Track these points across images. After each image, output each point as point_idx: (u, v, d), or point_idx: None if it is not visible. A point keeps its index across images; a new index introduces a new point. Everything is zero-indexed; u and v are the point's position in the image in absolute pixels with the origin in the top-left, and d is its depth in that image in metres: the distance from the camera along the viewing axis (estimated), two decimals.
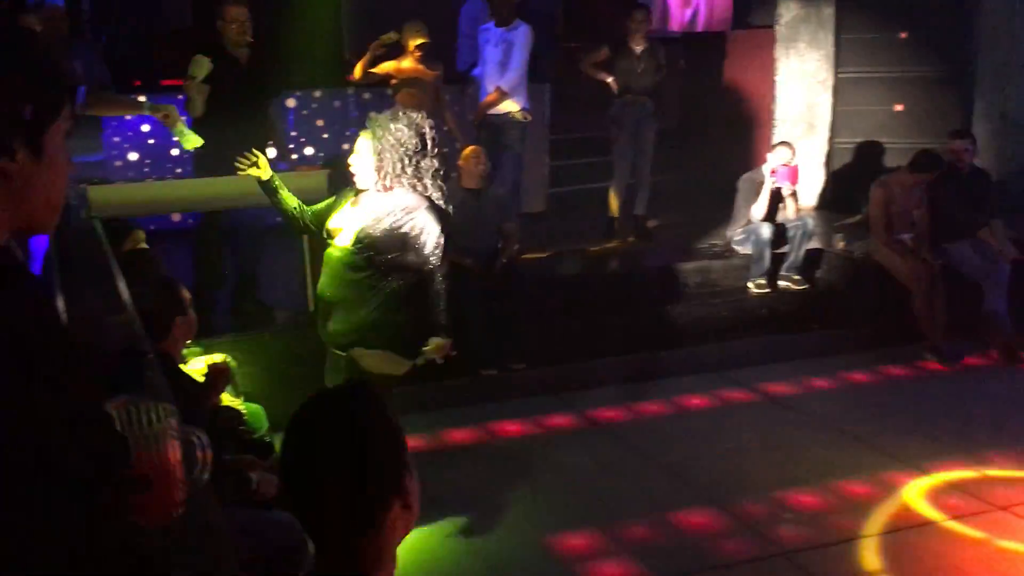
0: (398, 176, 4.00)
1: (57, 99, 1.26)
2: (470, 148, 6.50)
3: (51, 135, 1.25)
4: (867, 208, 7.39)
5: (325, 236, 4.19)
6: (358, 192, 4.14)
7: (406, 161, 3.98)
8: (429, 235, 3.99)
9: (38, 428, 1.07)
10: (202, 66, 5.70)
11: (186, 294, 3.61)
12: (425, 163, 4.01)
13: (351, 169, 4.11)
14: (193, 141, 5.59)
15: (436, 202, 4.05)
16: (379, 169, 4.01)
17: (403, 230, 3.98)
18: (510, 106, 7.39)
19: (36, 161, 1.23)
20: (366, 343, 4.07)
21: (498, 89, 7.34)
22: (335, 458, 1.42)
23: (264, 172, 4.26)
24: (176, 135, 5.64)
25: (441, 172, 4.07)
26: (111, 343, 2.70)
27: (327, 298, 4.14)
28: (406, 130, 3.98)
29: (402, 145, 3.97)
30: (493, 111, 7.42)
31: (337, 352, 4.19)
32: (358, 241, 4.03)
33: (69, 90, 1.29)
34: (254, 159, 4.25)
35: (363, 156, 4.05)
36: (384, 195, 4.05)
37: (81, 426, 1.14)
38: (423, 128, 4.02)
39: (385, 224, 3.99)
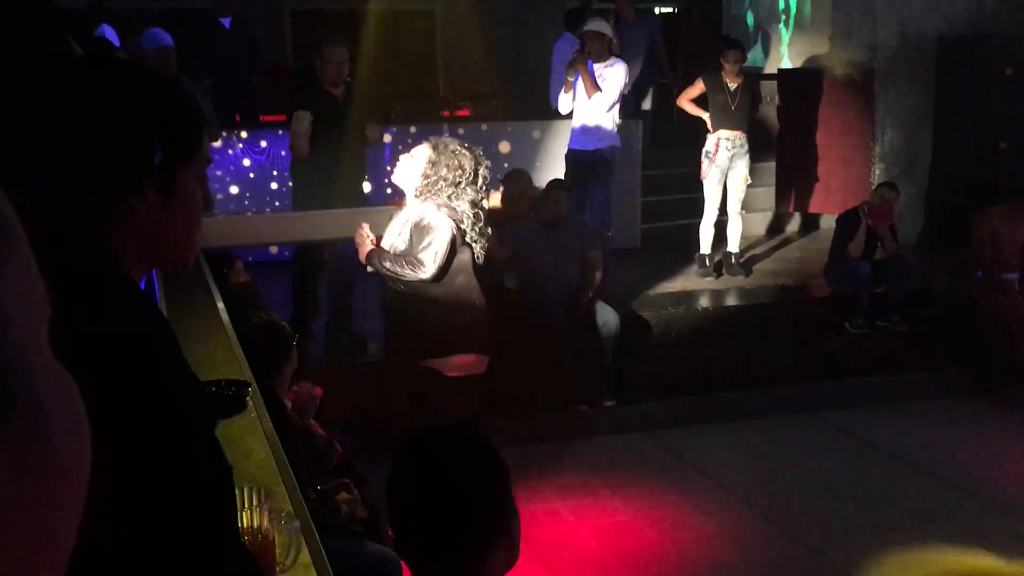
0: (440, 190, 4.27)
1: (190, 143, 1.28)
2: (544, 189, 6.47)
3: (183, 178, 1.26)
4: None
5: None
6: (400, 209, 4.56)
7: (455, 180, 4.29)
8: (432, 239, 4.29)
9: (180, 460, 1.12)
10: (303, 121, 5.89)
11: (292, 333, 3.69)
12: (469, 191, 4.33)
13: (398, 166, 4.47)
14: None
15: (461, 225, 4.35)
16: (426, 176, 4.27)
17: (414, 231, 4.34)
18: (601, 142, 7.38)
19: (166, 203, 1.24)
20: (433, 352, 4.29)
21: (595, 89, 7.26)
22: (443, 497, 1.43)
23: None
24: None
25: (480, 205, 4.40)
26: (217, 375, 2.77)
27: (392, 318, 4.54)
28: (468, 155, 4.33)
29: (460, 167, 4.29)
30: (581, 147, 7.40)
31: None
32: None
33: (203, 134, 1.31)
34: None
35: (416, 159, 4.39)
36: (416, 204, 4.38)
37: (204, 454, 1.18)
38: (480, 165, 4.37)
39: (406, 231, 4.38)
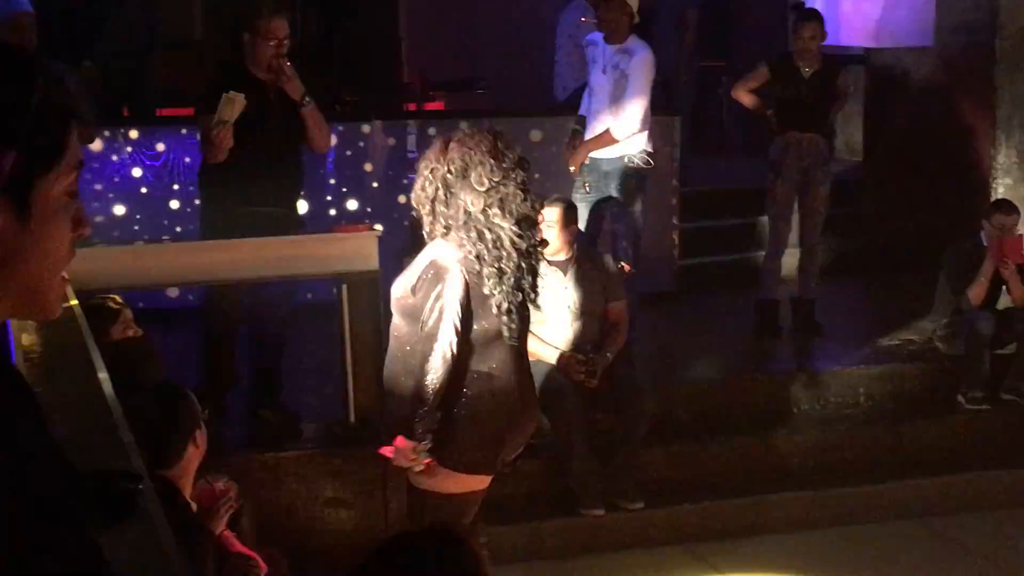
0: (437, 216, 4.15)
1: (53, 145, 1.28)
2: (545, 206, 6.44)
3: (43, 191, 1.27)
4: None
5: None
6: None
7: (434, 194, 4.12)
8: (436, 293, 4.09)
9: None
10: (236, 106, 5.84)
11: (198, 406, 3.69)
12: (465, 197, 4.07)
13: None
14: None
15: (471, 256, 4.10)
16: (420, 203, 4.21)
17: (420, 284, 4.16)
18: (626, 148, 7.39)
19: (23, 224, 1.25)
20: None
21: (607, 133, 7.34)
22: None
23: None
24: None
25: (490, 220, 4.08)
26: (94, 466, 2.76)
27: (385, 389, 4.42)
28: (457, 146, 4.11)
29: (438, 167, 4.12)
30: (598, 154, 7.43)
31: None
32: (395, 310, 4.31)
33: (72, 131, 1.31)
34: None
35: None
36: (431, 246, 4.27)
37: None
38: (480, 145, 4.09)
39: (404, 283, 4.23)
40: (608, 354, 6.29)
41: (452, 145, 4.13)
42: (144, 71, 9.43)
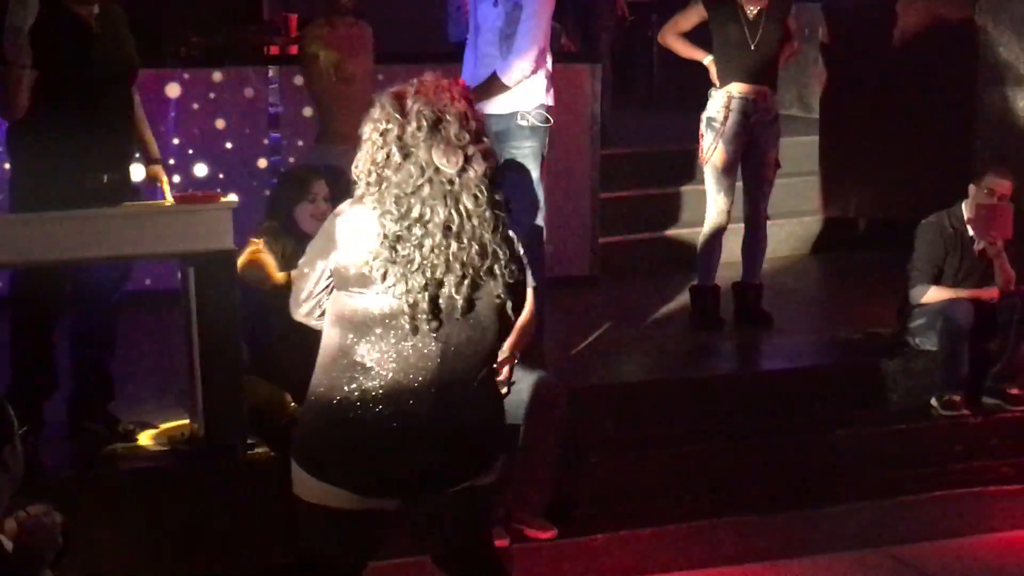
0: (366, 188, 4.07)
1: None
2: None
3: None
4: None
5: None
6: None
7: (380, 165, 3.99)
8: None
9: None
10: (30, 4, 5.69)
11: (11, 415, 3.66)
12: (419, 161, 3.94)
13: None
14: None
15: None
16: (369, 170, 4.11)
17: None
18: (519, 102, 7.31)
19: None
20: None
21: (495, 79, 7.25)
22: None
23: None
24: None
25: (453, 177, 3.91)
26: None
27: None
28: (396, 113, 3.99)
29: (375, 145, 4.02)
30: (492, 110, 7.36)
31: None
32: None
33: None
34: None
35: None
36: None
37: None
38: (442, 102, 3.97)
39: None
40: (511, 354, 6.27)
41: (413, 96, 3.97)
42: None
